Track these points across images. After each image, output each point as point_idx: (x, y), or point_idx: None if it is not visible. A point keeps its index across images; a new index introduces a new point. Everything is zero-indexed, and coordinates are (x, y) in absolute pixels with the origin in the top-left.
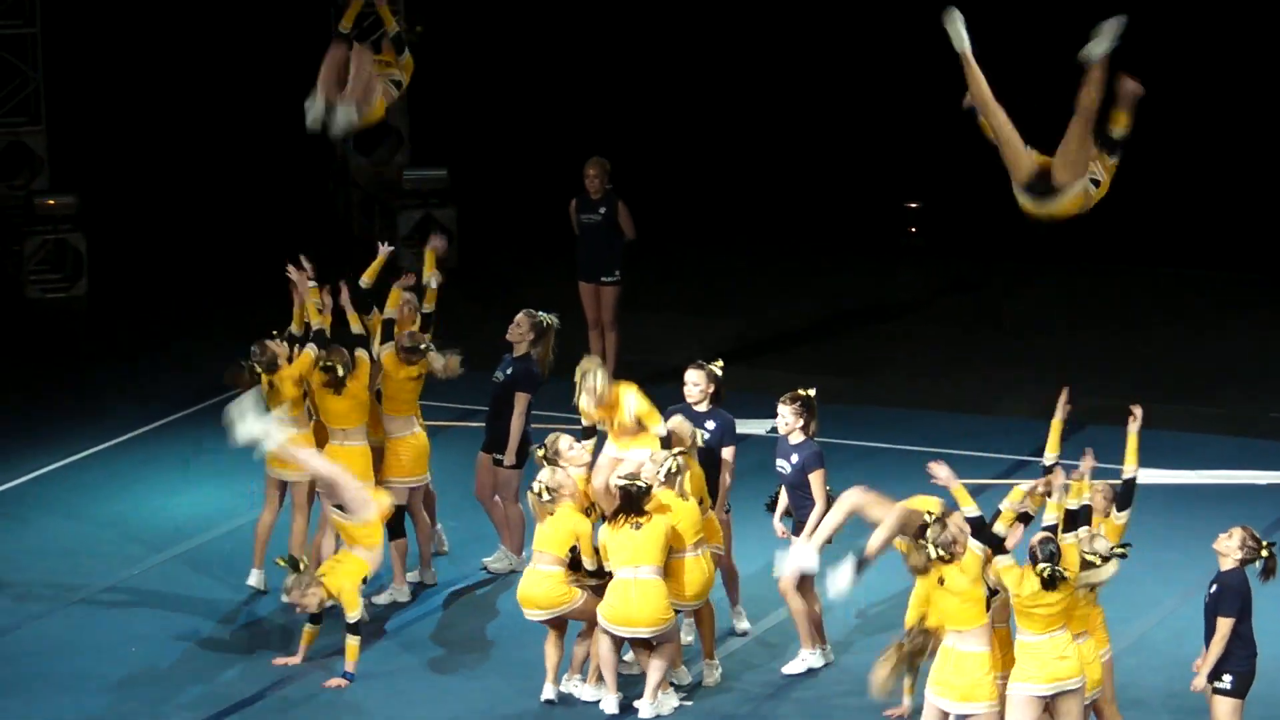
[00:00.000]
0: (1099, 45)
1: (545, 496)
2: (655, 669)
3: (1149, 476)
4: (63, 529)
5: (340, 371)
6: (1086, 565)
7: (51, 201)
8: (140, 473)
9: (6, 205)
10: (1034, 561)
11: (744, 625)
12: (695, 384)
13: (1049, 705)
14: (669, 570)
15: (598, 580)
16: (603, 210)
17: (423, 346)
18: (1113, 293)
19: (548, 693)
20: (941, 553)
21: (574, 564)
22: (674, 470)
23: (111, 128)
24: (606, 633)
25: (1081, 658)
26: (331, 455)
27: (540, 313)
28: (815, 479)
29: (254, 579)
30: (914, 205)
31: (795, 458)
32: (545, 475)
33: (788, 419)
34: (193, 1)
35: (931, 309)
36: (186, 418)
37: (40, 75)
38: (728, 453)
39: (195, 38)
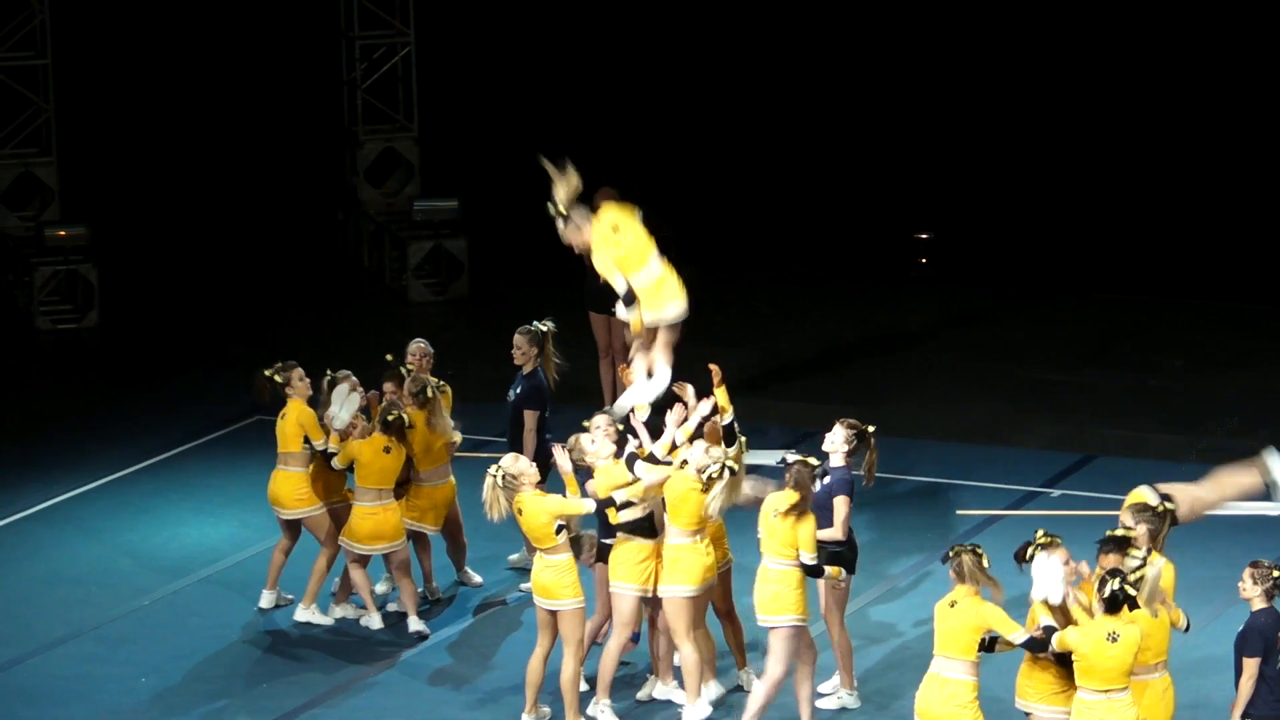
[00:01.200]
0: None
1: (502, 484)
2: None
3: None
4: (73, 559)
5: (406, 420)
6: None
7: (62, 232)
8: (150, 503)
9: (17, 236)
10: (1101, 586)
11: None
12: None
13: None
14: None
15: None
16: None
17: (429, 392)
18: (1123, 323)
19: None
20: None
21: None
22: (715, 477)
23: (122, 159)
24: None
25: (1153, 690)
26: (370, 518)
27: (534, 323)
28: (839, 503)
29: (266, 600)
30: (924, 236)
31: (828, 479)
32: (506, 461)
33: (837, 439)
34: (203, 33)
35: (941, 339)
36: (197, 448)
37: (51, 106)
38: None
39: (206, 69)
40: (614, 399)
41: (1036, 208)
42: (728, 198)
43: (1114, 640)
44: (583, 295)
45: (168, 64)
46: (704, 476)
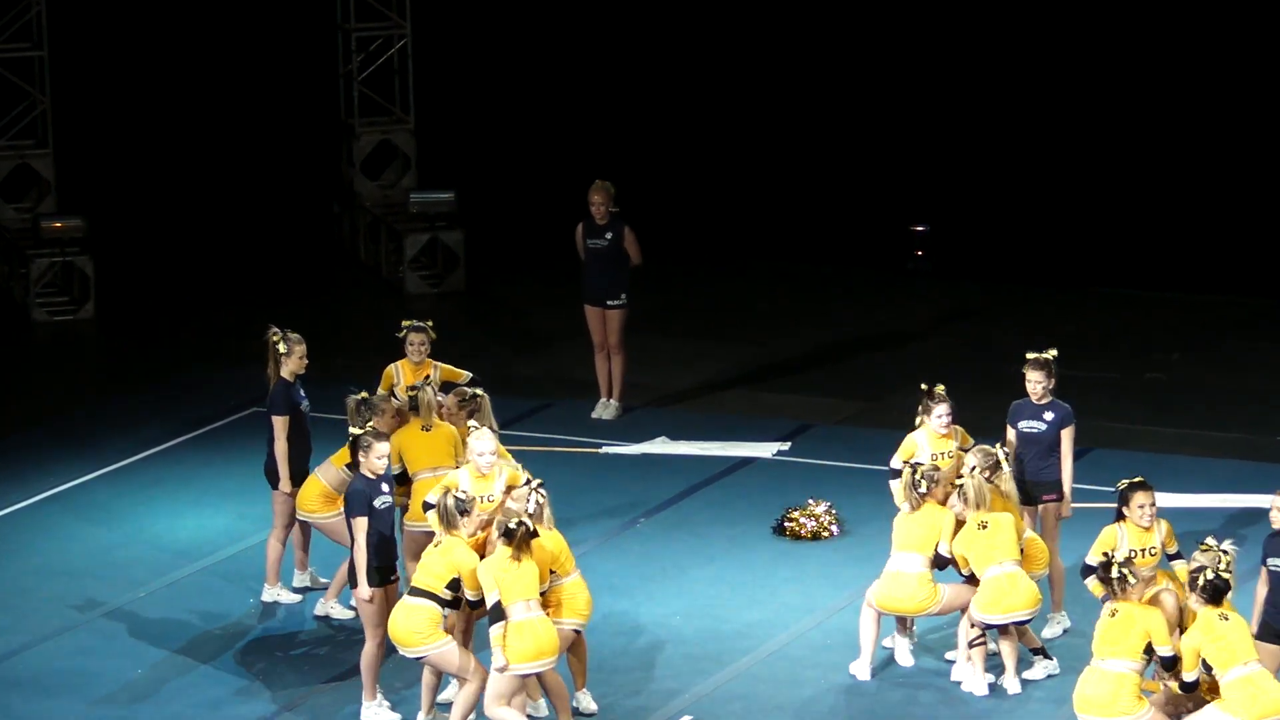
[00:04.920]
0: None
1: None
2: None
3: (1162, 500)
4: (69, 551)
5: (428, 398)
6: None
7: (58, 224)
8: (147, 494)
9: (14, 228)
10: (1193, 588)
11: (589, 705)
12: (1039, 382)
13: None
14: (554, 599)
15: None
16: (609, 236)
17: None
18: (1120, 317)
19: None
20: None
21: (454, 601)
22: (539, 503)
23: (118, 151)
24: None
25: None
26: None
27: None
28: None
29: (269, 595)
30: (920, 229)
31: (1050, 415)
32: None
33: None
34: (200, 25)
35: (937, 333)
36: (193, 440)
37: (48, 98)
38: (1066, 433)
39: (202, 61)
40: (609, 391)
41: (1033, 201)
42: (724, 192)
43: (1226, 620)
44: (579, 289)
45: (164, 56)
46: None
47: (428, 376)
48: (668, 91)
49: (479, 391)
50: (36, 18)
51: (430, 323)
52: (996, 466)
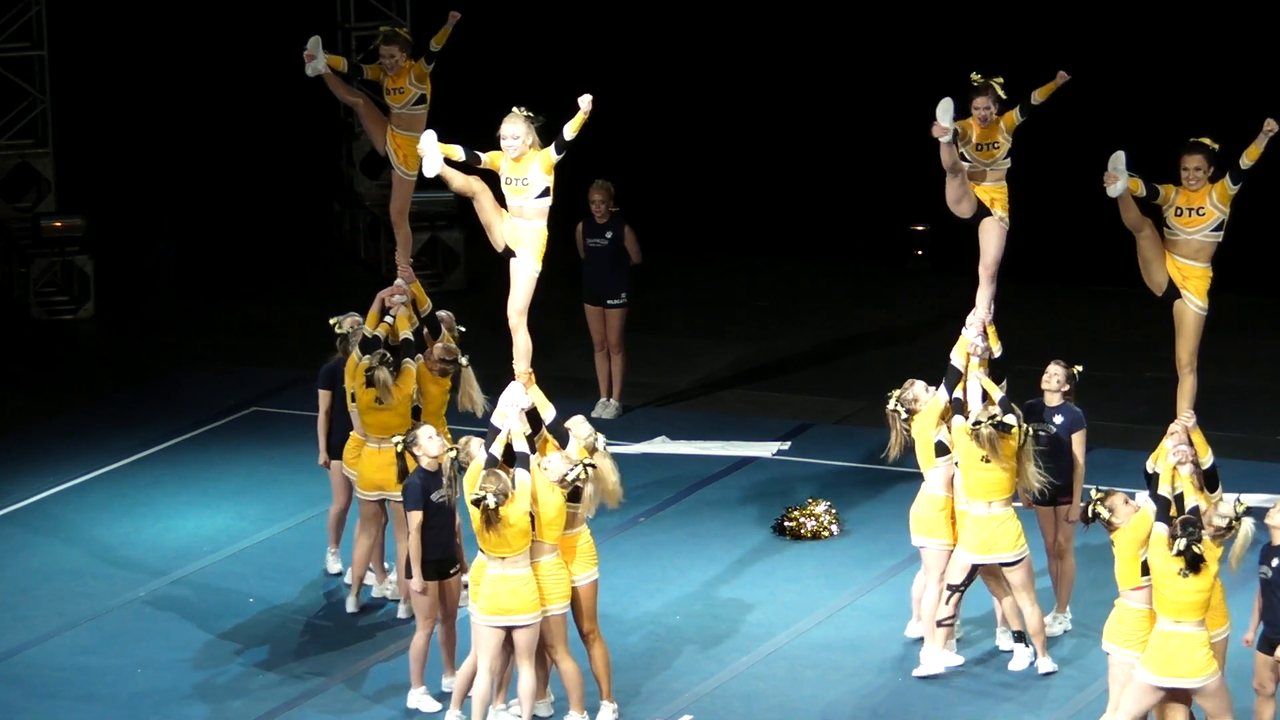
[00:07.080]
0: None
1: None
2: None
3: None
4: (68, 551)
5: (383, 378)
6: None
7: (58, 224)
8: (146, 494)
9: (13, 227)
10: (1173, 539)
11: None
12: (1054, 375)
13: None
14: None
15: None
16: (609, 234)
17: (462, 360)
18: (1118, 315)
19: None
20: (900, 408)
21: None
22: (580, 478)
23: (118, 150)
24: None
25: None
26: (370, 459)
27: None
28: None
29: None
30: (921, 228)
31: (1060, 419)
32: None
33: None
34: (200, 24)
35: (937, 332)
36: (192, 440)
37: (48, 97)
38: (1076, 438)
39: (202, 60)
40: (609, 390)
41: (1032, 199)
42: (724, 190)
43: (1185, 576)
44: (579, 288)
45: (164, 55)
46: (569, 482)
47: (384, 354)
48: (668, 89)
49: (464, 361)
50: (36, 17)
51: (406, 30)
52: (1004, 427)
